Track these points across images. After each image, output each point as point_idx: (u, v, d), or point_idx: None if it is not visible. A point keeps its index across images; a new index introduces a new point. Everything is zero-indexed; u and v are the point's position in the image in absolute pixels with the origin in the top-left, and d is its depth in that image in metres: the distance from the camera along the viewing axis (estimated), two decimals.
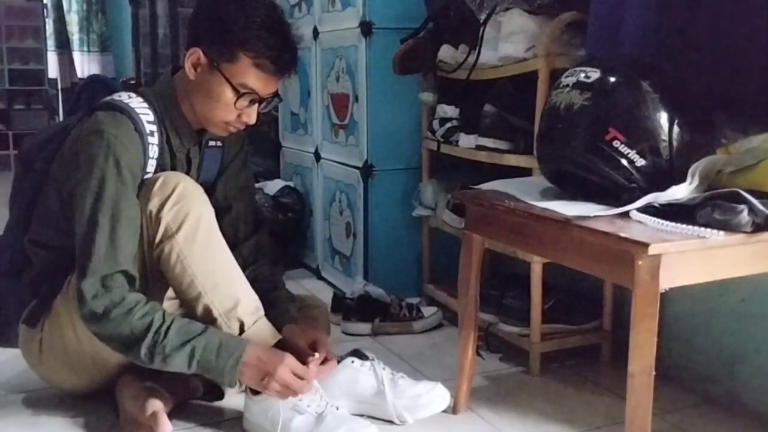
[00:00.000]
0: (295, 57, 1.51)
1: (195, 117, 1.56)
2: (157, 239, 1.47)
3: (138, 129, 1.47)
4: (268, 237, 1.80)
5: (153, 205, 1.46)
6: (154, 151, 1.51)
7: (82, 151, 1.45)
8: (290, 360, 1.43)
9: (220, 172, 1.71)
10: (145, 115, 1.50)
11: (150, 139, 1.50)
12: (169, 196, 1.47)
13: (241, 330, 1.48)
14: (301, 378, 1.43)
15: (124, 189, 1.43)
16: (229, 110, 1.50)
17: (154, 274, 1.52)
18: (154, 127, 1.51)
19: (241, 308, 1.49)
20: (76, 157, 1.46)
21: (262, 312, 1.53)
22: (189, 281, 1.47)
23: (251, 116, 1.52)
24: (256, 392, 1.48)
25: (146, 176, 1.51)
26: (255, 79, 1.47)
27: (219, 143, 1.68)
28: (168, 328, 1.40)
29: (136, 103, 1.51)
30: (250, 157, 2.03)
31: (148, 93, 1.55)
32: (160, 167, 1.55)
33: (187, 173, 1.61)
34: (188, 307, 1.51)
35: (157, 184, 1.48)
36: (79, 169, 1.45)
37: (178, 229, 1.46)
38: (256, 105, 1.51)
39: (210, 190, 1.66)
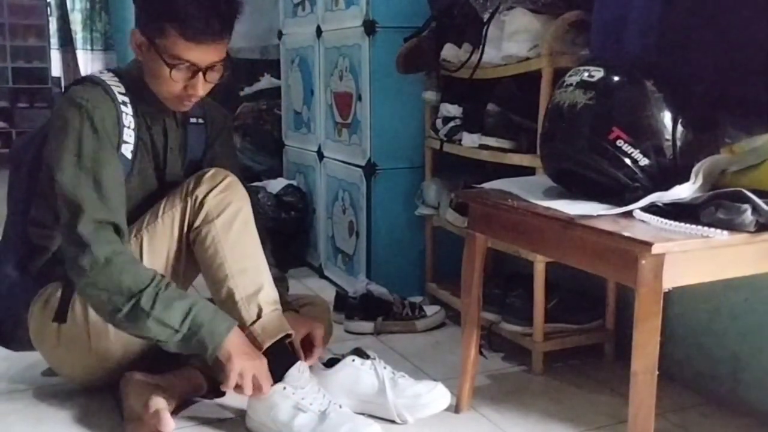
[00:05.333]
0: (226, 21, 1.51)
1: None
2: (197, 223, 1.55)
3: (110, 96, 1.53)
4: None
5: (200, 192, 1.55)
6: (129, 121, 1.56)
7: (58, 119, 1.51)
8: (265, 361, 1.48)
9: (204, 150, 1.75)
10: (117, 87, 1.56)
11: (123, 108, 1.55)
12: (216, 186, 1.55)
13: (259, 316, 1.51)
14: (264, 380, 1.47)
15: (101, 145, 1.49)
16: (170, 84, 1.52)
17: (188, 260, 1.57)
18: (126, 98, 1.56)
19: (262, 295, 1.53)
20: (54, 127, 1.51)
21: (280, 306, 1.56)
22: (219, 263, 1.53)
23: (196, 87, 1.53)
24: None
25: (125, 146, 1.55)
26: (185, 50, 1.48)
27: (200, 120, 1.73)
28: (168, 283, 1.47)
29: (107, 76, 1.58)
30: (253, 155, 2.05)
31: (119, 71, 1.62)
32: (141, 140, 1.59)
33: (165, 145, 1.65)
34: (213, 288, 1.56)
35: (209, 174, 1.58)
36: (56, 135, 1.50)
37: (219, 215, 1.54)
38: (200, 75, 1.51)
39: (198, 167, 1.69)
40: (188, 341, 1.45)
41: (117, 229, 1.48)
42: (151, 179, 1.63)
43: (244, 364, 1.44)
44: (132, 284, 1.43)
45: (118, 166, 1.53)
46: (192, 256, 1.57)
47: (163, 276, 1.48)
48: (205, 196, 1.54)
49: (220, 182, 1.56)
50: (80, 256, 1.43)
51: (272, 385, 1.48)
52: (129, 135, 1.56)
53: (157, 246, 1.56)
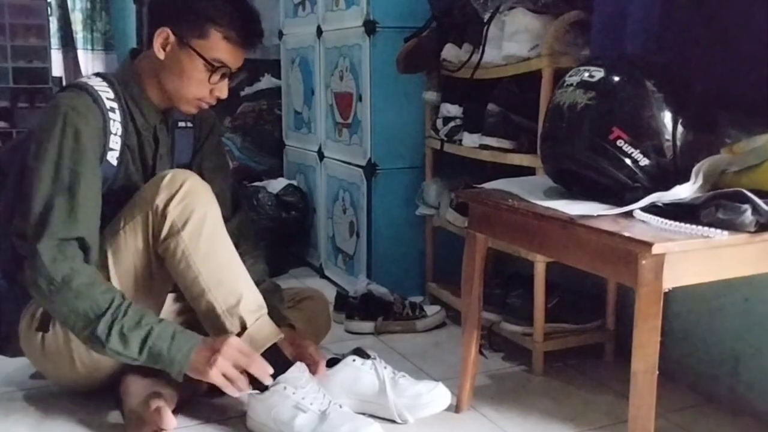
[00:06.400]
0: (260, 29, 1.57)
1: (161, 97, 1.59)
2: (163, 235, 1.49)
3: (97, 103, 1.50)
4: (248, 216, 1.82)
5: (160, 201, 1.48)
6: (116, 128, 1.53)
7: (43, 125, 1.48)
8: (235, 339, 1.44)
9: (193, 153, 1.75)
10: (105, 92, 1.54)
11: (111, 115, 1.52)
12: (176, 193, 1.48)
13: (243, 328, 1.49)
14: (246, 355, 1.44)
15: (82, 157, 1.46)
16: (203, 86, 1.54)
17: (159, 269, 1.53)
18: (115, 105, 1.54)
19: (243, 305, 1.50)
20: (37, 132, 1.49)
21: (265, 309, 1.54)
22: (193, 277, 1.49)
23: (223, 90, 1.57)
24: (257, 387, 1.48)
25: (110, 153, 1.53)
26: (226, 53, 1.53)
27: (189, 124, 1.72)
28: (127, 307, 1.42)
29: (96, 82, 1.55)
30: (253, 155, 2.04)
31: (108, 76, 1.60)
32: (128, 147, 1.57)
33: (155, 152, 1.63)
34: (192, 303, 1.52)
35: (165, 179, 1.50)
36: (39, 142, 1.47)
37: (184, 225, 1.48)
38: (227, 79, 1.57)
39: None
40: (151, 365, 1.44)
41: (83, 245, 1.44)
42: (138, 186, 1.58)
43: (221, 366, 1.42)
44: (89, 309, 1.40)
45: (96, 180, 1.48)
46: (163, 267, 1.52)
47: (123, 298, 1.43)
48: (166, 206, 1.47)
49: (180, 188, 1.48)
50: (37, 276, 1.40)
51: (268, 387, 1.47)
52: (115, 142, 1.53)
53: (123, 262, 1.52)
